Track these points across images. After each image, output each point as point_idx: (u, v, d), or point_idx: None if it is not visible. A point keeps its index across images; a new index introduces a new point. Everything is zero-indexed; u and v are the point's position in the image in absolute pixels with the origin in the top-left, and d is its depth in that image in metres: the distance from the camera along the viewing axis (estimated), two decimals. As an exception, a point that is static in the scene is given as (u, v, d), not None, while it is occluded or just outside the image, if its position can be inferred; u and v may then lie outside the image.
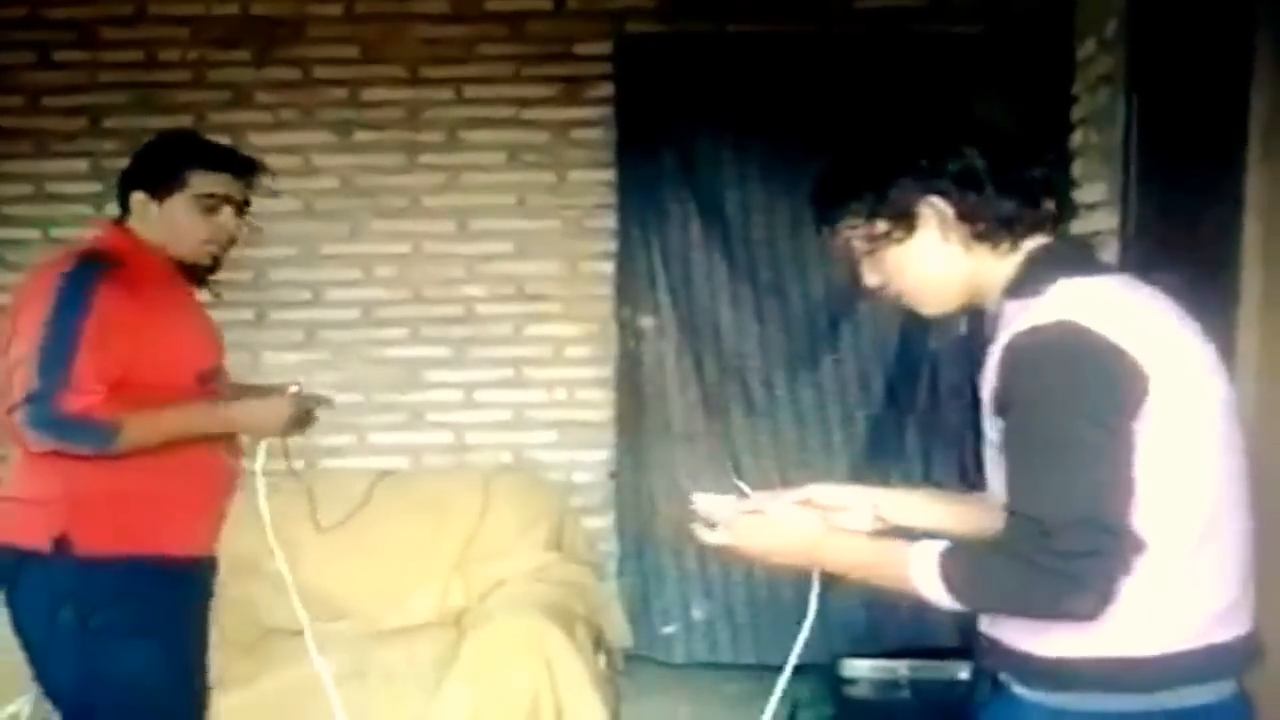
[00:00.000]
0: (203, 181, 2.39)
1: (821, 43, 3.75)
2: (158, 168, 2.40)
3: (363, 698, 3.03)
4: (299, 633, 3.14)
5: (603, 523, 3.99)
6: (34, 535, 2.27)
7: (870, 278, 1.61)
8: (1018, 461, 1.44)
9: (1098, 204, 2.60)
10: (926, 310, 1.62)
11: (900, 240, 1.54)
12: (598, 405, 3.98)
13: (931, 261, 1.55)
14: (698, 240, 3.85)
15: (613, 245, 3.92)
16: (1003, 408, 1.44)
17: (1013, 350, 1.42)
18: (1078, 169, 2.75)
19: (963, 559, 1.45)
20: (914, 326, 3.73)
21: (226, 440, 2.48)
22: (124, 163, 3.74)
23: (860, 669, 3.37)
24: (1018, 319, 1.44)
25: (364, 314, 4.00)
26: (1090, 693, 1.46)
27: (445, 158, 3.95)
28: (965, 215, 1.50)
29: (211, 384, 2.46)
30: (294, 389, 2.47)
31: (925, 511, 1.79)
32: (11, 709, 2.82)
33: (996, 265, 1.52)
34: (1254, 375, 2.24)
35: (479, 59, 3.91)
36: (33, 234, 3.93)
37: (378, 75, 3.92)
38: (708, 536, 1.70)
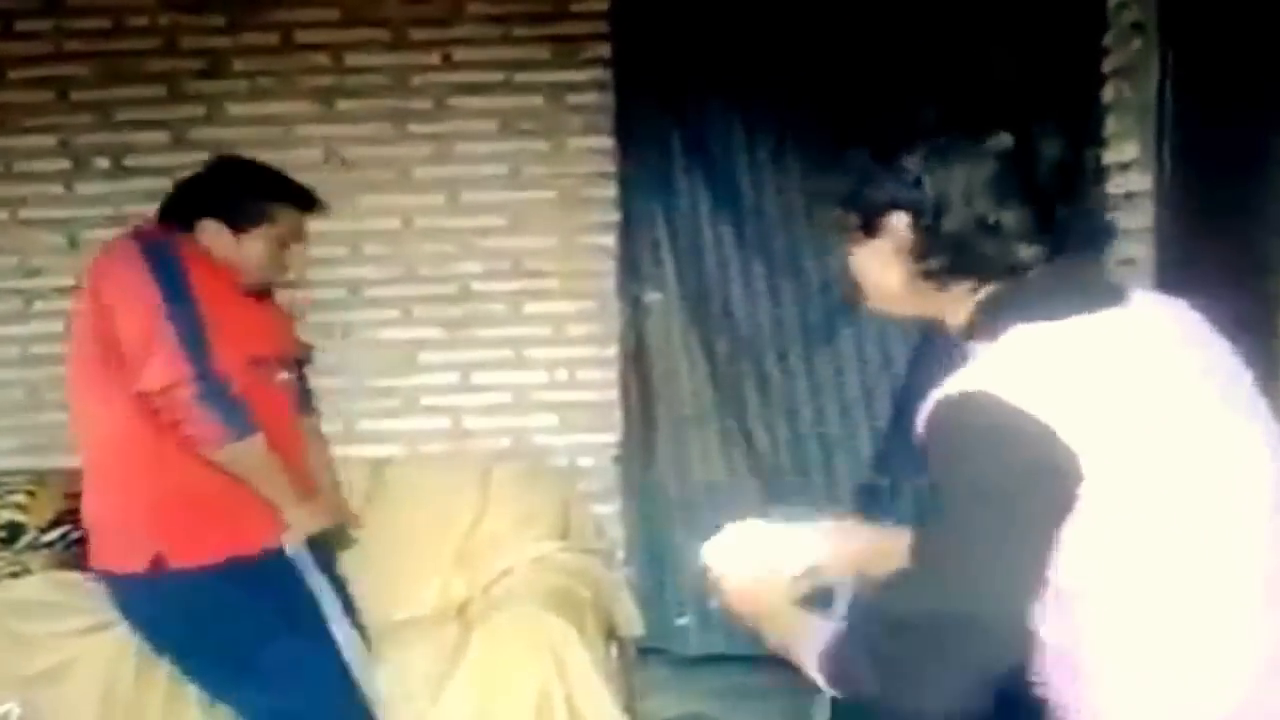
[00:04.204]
0: (286, 220, 2.63)
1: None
2: (239, 200, 2.58)
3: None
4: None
5: (610, 509, 4.03)
6: (129, 559, 2.46)
7: (845, 255, 1.52)
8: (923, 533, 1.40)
9: (1130, 163, 2.62)
10: (880, 311, 1.54)
11: (858, 240, 1.45)
12: (602, 386, 4.01)
13: (880, 273, 1.44)
14: (704, 209, 3.88)
15: (613, 216, 3.94)
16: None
17: (931, 417, 1.31)
18: (1109, 126, 2.77)
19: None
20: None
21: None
22: (96, 138, 3.85)
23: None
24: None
25: (352, 294, 4.01)
26: None
27: (434, 126, 3.96)
28: (922, 247, 1.37)
29: (263, 371, 2.59)
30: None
31: None
32: (1, 710, 2.86)
33: (948, 304, 1.40)
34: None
35: (467, 20, 3.91)
36: (0, 215, 3.95)
37: (361, 39, 3.92)
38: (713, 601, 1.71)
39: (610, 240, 3.95)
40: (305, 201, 2.69)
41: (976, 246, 1.33)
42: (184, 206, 2.59)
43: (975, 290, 1.37)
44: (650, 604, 3.88)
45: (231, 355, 2.43)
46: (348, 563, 3.51)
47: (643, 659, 3.81)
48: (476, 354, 4.01)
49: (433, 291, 4.00)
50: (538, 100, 3.95)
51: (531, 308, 4.01)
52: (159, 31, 3.89)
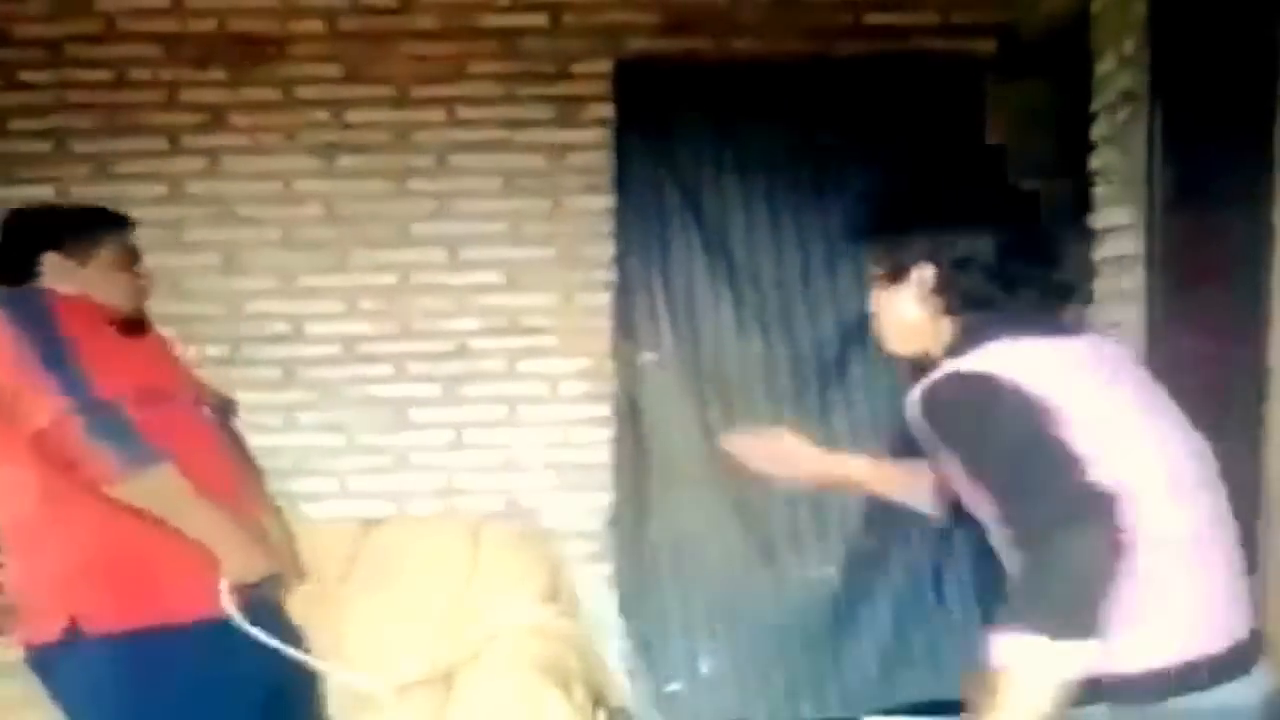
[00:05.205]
0: (114, 243, 2.58)
1: (830, 63, 3.86)
2: (67, 233, 2.54)
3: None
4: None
5: (602, 572, 4.04)
6: (44, 629, 2.35)
7: (871, 303, 1.95)
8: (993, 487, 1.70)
9: (1121, 228, 2.67)
10: (887, 347, 1.96)
11: (885, 286, 1.88)
12: (596, 446, 4.05)
13: (903, 313, 1.87)
14: (701, 270, 3.95)
15: (611, 276, 4.01)
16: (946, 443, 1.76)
17: (929, 396, 1.74)
18: (1099, 192, 2.83)
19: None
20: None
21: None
22: (93, 190, 3.92)
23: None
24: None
25: (347, 350, 4.06)
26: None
27: (434, 183, 4.03)
28: (942, 289, 1.81)
29: (168, 404, 2.50)
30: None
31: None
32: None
33: (940, 333, 1.84)
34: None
35: (471, 78, 4.00)
36: (-4, 265, 4.00)
37: (363, 96, 4.00)
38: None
39: (608, 299, 4.01)
40: (119, 221, 2.65)
41: (987, 291, 1.78)
42: (12, 260, 2.53)
43: (958, 318, 1.81)
44: (640, 670, 3.90)
45: (116, 384, 2.33)
46: (331, 627, 3.55)
47: (630, 726, 3.82)
48: (470, 412, 4.06)
49: (428, 348, 4.05)
50: (539, 159, 4.03)
51: (527, 366, 4.06)
52: (161, 85, 3.98)
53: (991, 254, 1.78)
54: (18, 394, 2.28)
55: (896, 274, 1.86)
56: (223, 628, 2.40)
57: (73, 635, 2.33)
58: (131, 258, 2.63)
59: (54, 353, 2.29)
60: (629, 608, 4.00)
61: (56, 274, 2.50)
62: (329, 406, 4.05)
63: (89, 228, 2.58)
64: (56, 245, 2.51)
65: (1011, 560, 1.69)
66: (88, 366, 2.30)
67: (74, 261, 2.52)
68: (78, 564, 2.34)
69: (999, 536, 1.77)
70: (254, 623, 2.42)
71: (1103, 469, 1.59)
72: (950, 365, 1.73)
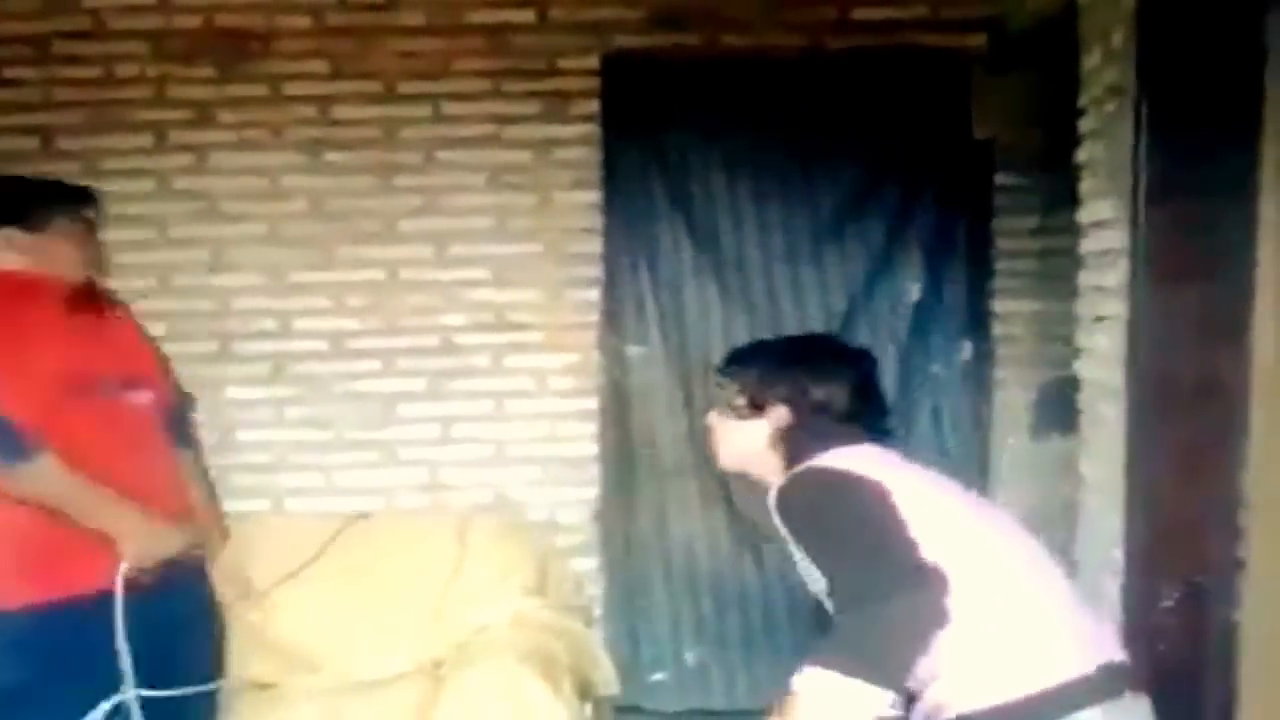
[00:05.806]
0: (74, 217, 2.62)
1: (818, 58, 3.85)
2: (27, 202, 2.58)
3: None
4: (270, 686, 3.21)
5: (589, 564, 4.04)
6: None
7: (710, 420, 2.21)
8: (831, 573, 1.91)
9: (1106, 222, 2.67)
10: (720, 464, 2.22)
11: (742, 417, 2.13)
12: (583, 440, 4.04)
13: (751, 442, 2.11)
14: (688, 265, 3.94)
15: (598, 271, 3.99)
16: (795, 540, 1.99)
17: (777, 497, 1.98)
18: (1085, 186, 2.82)
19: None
20: (916, 352, 3.82)
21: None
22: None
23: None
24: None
25: (334, 345, 4.04)
26: None
27: (421, 179, 4.01)
28: (793, 428, 2.07)
29: (89, 393, 2.51)
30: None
31: None
32: None
33: (773, 459, 2.09)
34: (1267, 395, 2.32)
35: (457, 74, 3.98)
36: (-18, 260, 3.97)
37: (350, 92, 3.98)
38: None
39: (595, 294, 4.00)
40: (78, 193, 2.69)
41: (828, 428, 2.06)
42: None
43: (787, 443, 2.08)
44: (626, 660, 3.90)
45: (25, 382, 2.36)
46: (322, 619, 3.53)
47: (618, 717, 3.81)
48: (457, 407, 4.05)
49: (415, 344, 4.03)
50: (526, 155, 4.01)
51: (514, 361, 4.04)
52: (148, 81, 3.95)
53: (844, 400, 2.08)
54: None
55: (755, 409, 2.11)
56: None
57: None
58: (89, 231, 2.64)
59: None
60: (615, 599, 4.00)
61: (9, 245, 2.51)
62: (316, 401, 4.03)
63: (45, 199, 2.60)
64: (15, 219, 2.53)
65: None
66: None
67: (30, 234, 2.53)
68: None
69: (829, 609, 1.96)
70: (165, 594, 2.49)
71: (931, 548, 1.80)
72: (802, 465, 1.98)
